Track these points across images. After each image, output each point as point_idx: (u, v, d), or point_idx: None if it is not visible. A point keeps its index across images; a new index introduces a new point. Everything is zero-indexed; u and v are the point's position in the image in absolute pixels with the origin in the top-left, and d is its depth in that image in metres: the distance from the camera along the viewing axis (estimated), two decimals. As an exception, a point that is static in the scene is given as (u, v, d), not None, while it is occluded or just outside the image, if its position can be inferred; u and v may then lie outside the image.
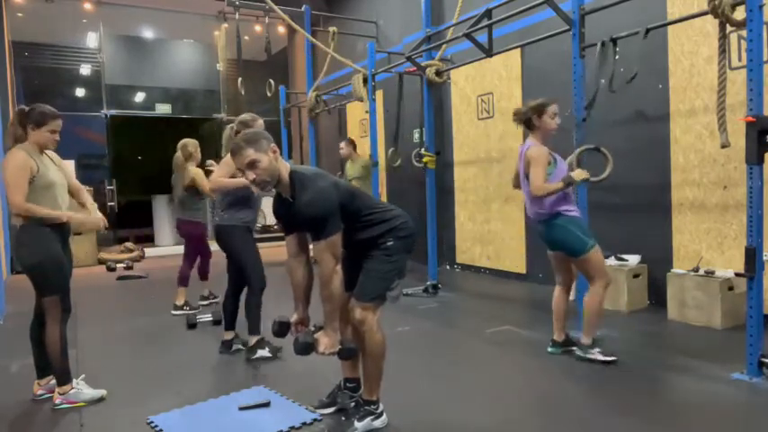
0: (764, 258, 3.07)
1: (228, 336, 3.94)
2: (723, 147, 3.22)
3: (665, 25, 3.95)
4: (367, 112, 6.56)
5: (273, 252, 8.84)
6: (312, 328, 2.54)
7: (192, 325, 4.62)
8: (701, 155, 4.40)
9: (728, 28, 3.17)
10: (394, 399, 2.85)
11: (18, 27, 9.54)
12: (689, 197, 4.50)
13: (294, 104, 9.62)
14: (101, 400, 3.10)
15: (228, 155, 3.56)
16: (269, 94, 8.89)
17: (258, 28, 10.65)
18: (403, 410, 2.80)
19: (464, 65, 6.05)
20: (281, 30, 11.22)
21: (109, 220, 11.13)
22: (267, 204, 11.36)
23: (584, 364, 3.41)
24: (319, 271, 2.41)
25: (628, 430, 2.58)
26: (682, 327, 4.17)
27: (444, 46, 6.02)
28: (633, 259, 4.81)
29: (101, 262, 8.78)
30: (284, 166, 2.45)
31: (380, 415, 2.64)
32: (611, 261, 4.84)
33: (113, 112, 10.65)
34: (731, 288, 4.06)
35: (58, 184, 3.04)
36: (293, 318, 2.63)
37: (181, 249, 5.63)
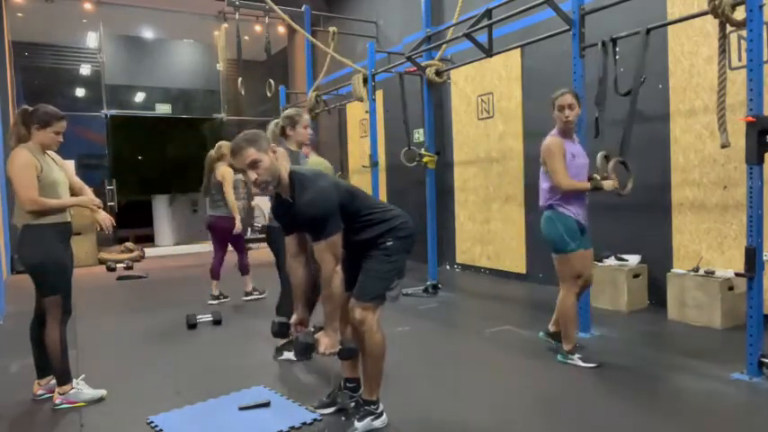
0: (764, 258, 3.07)
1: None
2: (723, 147, 3.22)
3: (665, 25, 3.95)
4: (367, 112, 6.56)
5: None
6: (312, 329, 2.54)
7: (191, 325, 4.62)
8: (701, 155, 4.40)
9: (728, 28, 3.17)
10: (394, 399, 2.85)
11: (18, 27, 9.54)
12: (689, 197, 4.50)
13: (294, 104, 9.62)
14: (100, 400, 3.11)
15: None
16: (269, 94, 8.89)
17: (258, 28, 10.64)
18: (403, 410, 2.81)
19: (464, 65, 6.05)
20: (281, 30, 11.22)
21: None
22: (267, 204, 11.33)
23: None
24: (321, 270, 2.41)
25: (628, 430, 2.58)
26: (682, 327, 4.17)
27: (444, 46, 6.03)
28: (633, 259, 4.81)
29: (101, 262, 8.78)
30: (284, 167, 2.45)
31: (380, 415, 2.64)
32: (611, 261, 4.84)
33: (113, 112, 10.65)
34: (731, 288, 4.06)
35: (62, 182, 3.08)
36: (293, 318, 2.63)
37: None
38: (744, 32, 3.33)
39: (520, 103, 6.05)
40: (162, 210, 11.32)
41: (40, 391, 3.17)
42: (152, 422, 2.78)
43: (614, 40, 3.84)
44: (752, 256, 3.01)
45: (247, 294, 5.72)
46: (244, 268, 5.68)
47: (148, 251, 9.81)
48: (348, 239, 2.48)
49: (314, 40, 7.73)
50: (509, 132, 6.21)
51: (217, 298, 5.57)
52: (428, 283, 5.81)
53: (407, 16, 7.75)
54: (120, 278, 7.49)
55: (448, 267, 7.34)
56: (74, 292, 3.17)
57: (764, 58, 3.04)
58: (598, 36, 3.92)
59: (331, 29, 7.62)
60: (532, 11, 4.66)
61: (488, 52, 4.87)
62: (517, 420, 2.76)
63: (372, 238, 2.54)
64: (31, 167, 2.91)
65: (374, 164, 6.47)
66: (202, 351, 4.03)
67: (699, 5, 4.08)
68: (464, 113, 6.92)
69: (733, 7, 3.09)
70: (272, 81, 8.87)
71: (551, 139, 3.41)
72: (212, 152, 5.54)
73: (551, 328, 3.69)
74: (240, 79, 8.48)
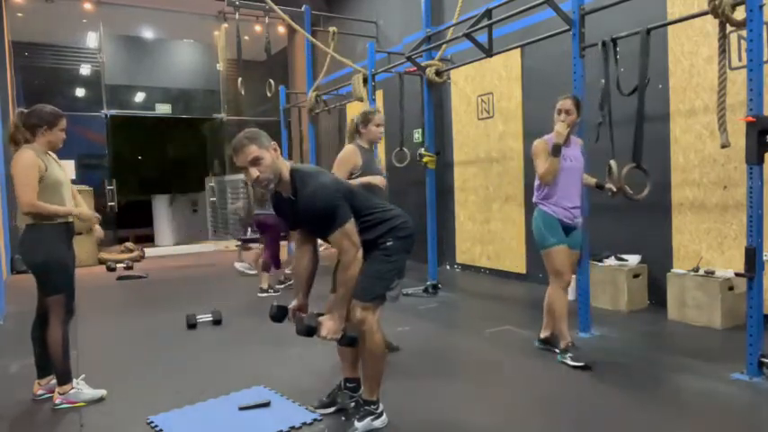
0: (764, 258, 3.07)
1: None
2: (723, 147, 3.22)
3: (665, 25, 3.95)
4: (367, 112, 6.55)
5: (273, 252, 8.85)
6: (314, 313, 2.54)
7: (191, 325, 4.62)
8: (701, 155, 4.40)
9: (728, 28, 3.17)
10: (394, 399, 2.85)
11: (18, 27, 9.54)
12: (689, 197, 4.50)
13: (294, 104, 9.63)
14: (100, 400, 3.11)
15: (344, 152, 3.60)
16: (269, 94, 8.89)
17: (258, 28, 10.64)
18: (403, 410, 2.81)
19: (464, 65, 6.05)
20: (281, 30, 11.22)
21: (109, 220, 11.10)
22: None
23: (585, 364, 3.43)
24: (341, 258, 2.41)
25: (627, 430, 2.58)
26: (682, 327, 4.17)
27: (444, 46, 6.03)
28: (633, 259, 4.81)
29: (101, 262, 8.78)
30: (285, 165, 2.45)
31: (380, 415, 2.64)
32: (611, 261, 4.84)
33: (113, 112, 10.64)
34: (731, 288, 4.06)
35: (65, 183, 3.11)
36: (292, 303, 2.64)
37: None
38: (744, 32, 3.33)
39: (520, 103, 6.05)
40: (162, 210, 11.33)
41: (40, 391, 3.17)
42: (152, 422, 2.78)
43: (614, 40, 3.84)
44: (752, 256, 3.01)
45: (281, 282, 6.15)
46: (279, 264, 6.10)
47: (148, 251, 9.81)
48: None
49: (314, 40, 7.73)
50: (509, 132, 6.21)
51: (266, 291, 5.85)
52: (428, 283, 5.81)
53: (407, 16, 7.75)
54: (120, 278, 7.49)
55: (448, 267, 7.34)
56: (75, 293, 3.17)
57: (764, 58, 3.04)
58: (598, 36, 3.92)
59: (331, 29, 7.62)
60: (532, 11, 4.65)
61: (488, 52, 4.87)
62: (517, 420, 2.76)
63: (372, 239, 2.54)
64: (34, 169, 2.92)
65: (374, 164, 6.47)
66: (202, 351, 4.03)
67: (699, 5, 4.08)
68: (464, 113, 6.92)
69: (733, 7, 3.08)
70: (272, 81, 8.88)
71: (537, 141, 3.57)
72: None
73: (542, 334, 3.74)
74: (240, 79, 8.48)
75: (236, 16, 8.13)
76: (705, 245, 4.41)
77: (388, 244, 2.53)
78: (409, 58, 5.83)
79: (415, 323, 4.57)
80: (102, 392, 3.14)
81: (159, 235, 11.27)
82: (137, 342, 4.36)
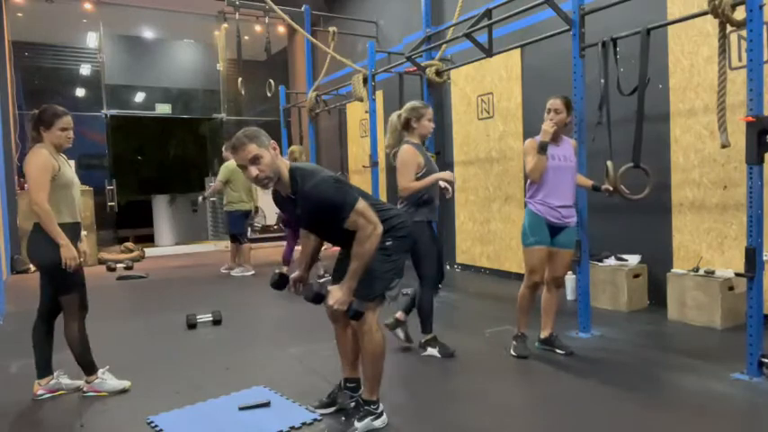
0: (764, 258, 3.07)
1: (402, 317, 3.93)
2: (723, 147, 3.22)
3: (665, 25, 3.95)
4: (367, 111, 6.57)
5: (273, 252, 8.85)
6: (322, 279, 2.56)
7: (191, 325, 4.62)
8: (701, 155, 4.40)
9: (728, 28, 3.16)
10: (394, 399, 2.85)
11: (18, 27, 9.54)
12: (689, 197, 4.50)
13: (294, 104, 9.62)
14: (124, 391, 3.20)
15: (406, 153, 3.55)
16: (269, 94, 8.90)
17: (258, 28, 10.64)
18: (403, 410, 2.81)
19: (464, 65, 6.05)
20: (281, 30, 11.22)
21: (109, 220, 11.09)
22: (268, 204, 11.31)
23: (585, 364, 3.43)
24: (358, 235, 2.38)
25: (627, 430, 2.58)
26: (682, 327, 4.17)
27: (444, 46, 6.03)
28: (633, 259, 4.81)
29: (101, 262, 8.77)
30: (284, 164, 2.45)
31: (380, 415, 2.64)
32: (611, 261, 4.84)
33: (113, 112, 10.64)
34: (731, 288, 4.06)
35: (76, 184, 3.17)
36: (294, 274, 2.70)
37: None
38: (744, 32, 3.33)
39: (520, 103, 6.05)
40: (162, 210, 11.33)
41: (40, 391, 3.18)
42: (152, 422, 2.78)
43: (614, 40, 3.84)
44: (752, 256, 3.01)
45: (320, 277, 6.07)
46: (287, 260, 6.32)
47: (148, 251, 9.81)
48: (347, 238, 2.48)
49: (314, 40, 7.73)
50: (509, 132, 6.21)
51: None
52: (428, 283, 5.80)
53: (407, 16, 7.75)
54: (120, 278, 7.49)
55: (448, 267, 7.34)
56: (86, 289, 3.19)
57: (764, 58, 3.03)
58: (598, 36, 3.92)
59: (331, 29, 7.62)
60: (532, 11, 4.66)
61: (488, 52, 4.87)
62: (517, 420, 2.76)
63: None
64: (47, 168, 2.97)
65: (374, 164, 6.47)
66: (202, 351, 4.03)
67: (699, 5, 4.07)
68: (464, 113, 6.92)
69: (733, 7, 3.08)
70: (272, 81, 8.88)
71: (528, 140, 3.60)
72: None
73: (542, 334, 3.74)
74: (240, 79, 8.49)
75: (236, 16, 8.13)
76: (705, 245, 4.40)
77: (387, 243, 2.53)
78: (409, 58, 5.83)
79: (415, 323, 4.56)
80: (126, 383, 3.24)
81: (159, 235, 11.27)
82: (137, 342, 4.36)
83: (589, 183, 3.82)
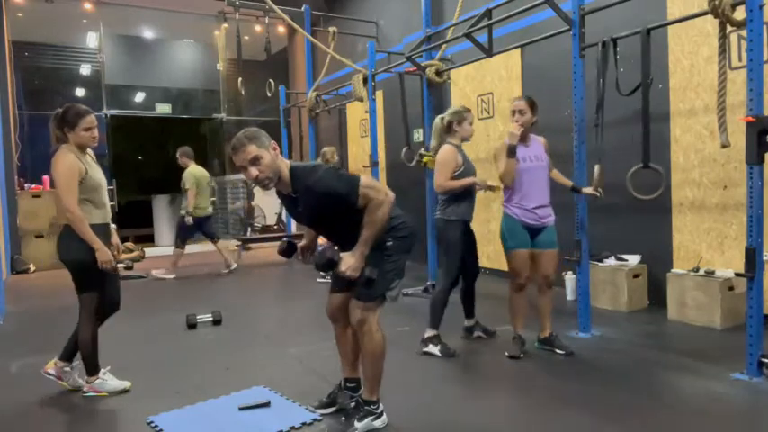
0: (764, 258, 3.07)
1: (469, 322, 4.16)
2: (723, 147, 3.22)
3: (665, 25, 3.95)
4: (367, 111, 6.56)
5: (273, 252, 8.84)
6: (336, 248, 2.53)
7: (191, 325, 4.62)
8: (701, 155, 4.40)
9: (728, 28, 3.16)
10: (394, 399, 2.85)
11: (18, 27, 9.53)
12: (689, 197, 4.50)
13: (294, 104, 9.62)
14: (124, 391, 3.21)
15: (445, 153, 3.69)
16: (269, 94, 8.89)
17: (258, 28, 10.64)
18: (403, 410, 2.80)
19: (464, 65, 6.05)
20: (281, 30, 11.22)
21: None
22: (267, 204, 11.31)
23: (586, 365, 3.43)
24: (369, 205, 2.39)
25: (628, 430, 2.58)
26: (682, 327, 4.17)
27: (444, 46, 6.02)
28: (633, 259, 4.80)
29: (101, 262, 8.76)
30: (284, 163, 2.45)
31: (380, 415, 2.64)
32: (611, 261, 4.84)
33: (113, 112, 10.64)
34: (731, 288, 4.06)
35: (103, 185, 3.19)
36: (302, 242, 2.74)
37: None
38: (744, 32, 3.33)
39: (520, 103, 6.03)
40: (162, 210, 11.32)
41: (50, 370, 3.25)
42: (152, 422, 2.78)
43: (614, 40, 3.84)
44: (752, 256, 3.01)
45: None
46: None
47: (149, 251, 9.81)
48: (348, 238, 2.48)
49: (314, 40, 7.73)
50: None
51: (324, 277, 5.96)
52: (428, 283, 5.81)
53: (407, 16, 7.75)
54: (120, 278, 7.48)
55: (448, 267, 7.33)
56: (73, 293, 3.18)
57: (764, 58, 3.03)
58: (598, 36, 3.92)
59: (331, 29, 7.62)
60: (532, 11, 4.65)
61: (488, 52, 4.87)
62: (517, 420, 2.76)
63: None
64: (74, 173, 2.99)
65: (374, 164, 6.47)
66: (202, 351, 4.03)
67: (699, 5, 4.07)
68: (464, 113, 6.90)
69: (733, 7, 3.08)
70: (272, 81, 8.87)
71: (498, 144, 3.67)
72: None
73: (542, 334, 3.74)
74: (240, 79, 8.48)
75: (236, 16, 8.13)
76: (705, 245, 4.40)
77: (388, 244, 2.53)
78: (409, 58, 5.83)
79: (415, 323, 4.56)
80: (126, 384, 3.24)
81: (159, 235, 11.26)
82: (137, 342, 4.36)
83: (569, 183, 3.83)
